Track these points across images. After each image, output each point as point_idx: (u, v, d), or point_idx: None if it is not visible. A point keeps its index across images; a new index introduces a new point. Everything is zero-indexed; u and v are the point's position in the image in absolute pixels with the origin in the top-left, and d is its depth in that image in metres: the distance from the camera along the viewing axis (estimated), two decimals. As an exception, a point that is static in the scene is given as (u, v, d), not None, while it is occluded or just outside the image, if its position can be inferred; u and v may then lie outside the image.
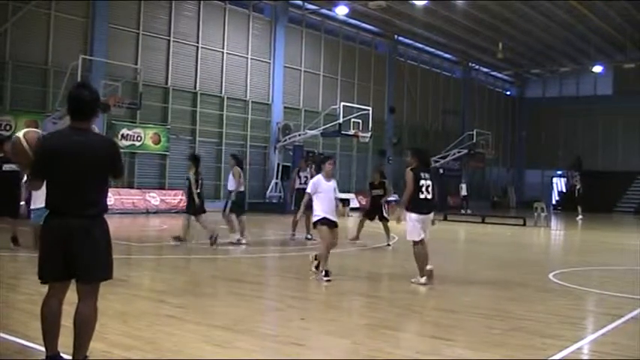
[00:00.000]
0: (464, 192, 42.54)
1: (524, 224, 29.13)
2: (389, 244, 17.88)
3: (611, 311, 9.30)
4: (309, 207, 12.04)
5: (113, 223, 17.83)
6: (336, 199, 11.81)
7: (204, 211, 16.47)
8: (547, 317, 8.74)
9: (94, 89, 5.62)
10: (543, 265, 15.29)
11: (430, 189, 11.37)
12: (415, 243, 11.33)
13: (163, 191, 30.36)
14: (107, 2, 28.66)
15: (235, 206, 17.05)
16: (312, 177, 14.32)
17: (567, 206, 45.90)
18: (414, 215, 11.26)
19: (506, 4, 39.59)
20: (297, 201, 16.79)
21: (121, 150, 23.93)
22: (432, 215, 11.58)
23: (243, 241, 16.70)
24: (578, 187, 38.93)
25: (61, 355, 5.50)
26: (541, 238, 25.45)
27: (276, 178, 34.97)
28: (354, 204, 37.92)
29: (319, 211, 11.53)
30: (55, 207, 5.32)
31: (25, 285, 9.62)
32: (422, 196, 11.28)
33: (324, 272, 11.29)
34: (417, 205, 11.28)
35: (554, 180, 58.80)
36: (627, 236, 26.25)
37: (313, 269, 11.67)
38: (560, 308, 9.56)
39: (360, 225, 18.51)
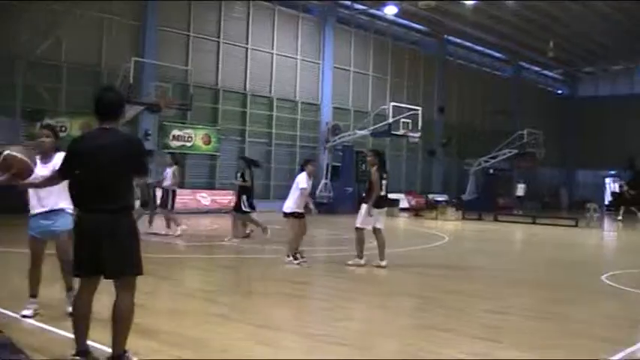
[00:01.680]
0: (520, 192, 41.96)
1: (576, 225, 28.73)
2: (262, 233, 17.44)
3: (664, 314, 9.15)
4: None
5: (164, 222, 18.01)
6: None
7: None
8: (599, 319, 8.64)
9: (119, 91, 5.86)
10: (595, 267, 15.10)
11: (386, 187, 13.19)
12: (359, 230, 13.06)
13: (214, 191, 30.63)
14: (158, 5, 29.04)
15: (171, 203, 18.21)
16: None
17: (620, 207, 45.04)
18: (374, 209, 12.94)
19: (557, 2, 39.07)
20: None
21: (170, 151, 24.12)
22: (385, 209, 13.60)
23: (178, 232, 17.73)
24: (625, 189, 38.50)
25: (90, 350, 5.63)
26: (593, 239, 25.08)
27: (326, 178, 34.98)
28: (404, 204, 37.81)
29: (293, 205, 13.15)
30: (83, 204, 5.52)
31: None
32: (382, 194, 13.02)
33: (295, 256, 13.01)
34: (378, 201, 12.97)
35: (607, 180, 57.79)
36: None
37: (291, 260, 13.04)
38: (613, 310, 9.44)
39: (234, 222, 17.84)
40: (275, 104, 34.45)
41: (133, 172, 5.78)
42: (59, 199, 7.31)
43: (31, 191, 7.33)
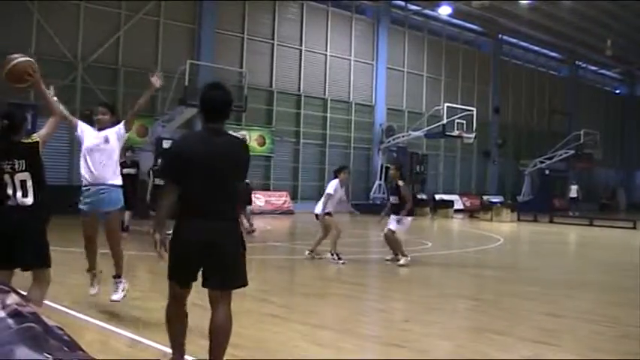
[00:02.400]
0: (573, 194, 41.47)
1: (635, 227, 28.20)
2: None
3: None
4: None
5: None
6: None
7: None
8: (657, 323, 8.48)
9: (227, 89, 5.42)
10: (655, 270, 14.80)
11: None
12: (394, 232, 13.59)
13: (268, 192, 30.80)
14: (213, 8, 29.37)
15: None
16: None
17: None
18: (410, 218, 13.92)
19: (615, -1, 38.46)
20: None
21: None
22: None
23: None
24: None
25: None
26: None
27: (380, 179, 34.98)
28: (458, 205, 37.58)
29: (323, 207, 13.59)
30: (192, 210, 5.06)
31: (138, 283, 9.91)
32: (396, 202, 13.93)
33: (336, 255, 13.34)
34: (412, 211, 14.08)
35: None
36: None
37: (335, 258, 13.36)
38: (672, 314, 9.25)
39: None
40: (329, 105, 34.54)
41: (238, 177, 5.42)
42: (112, 175, 7.66)
43: (83, 167, 7.59)
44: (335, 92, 35.00)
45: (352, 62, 35.87)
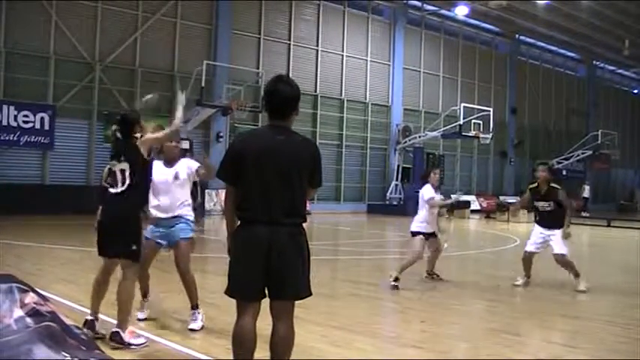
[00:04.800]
0: (586, 194, 41.24)
1: (654, 228, 28.00)
2: None
3: None
4: None
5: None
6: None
7: None
8: (677, 325, 8.41)
9: (294, 83, 5.01)
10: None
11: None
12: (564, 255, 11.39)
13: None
14: (230, 8, 29.44)
15: None
16: None
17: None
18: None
19: (633, -1, 38.19)
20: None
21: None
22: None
23: None
24: None
25: None
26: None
27: (396, 179, 34.94)
28: (475, 206, 37.44)
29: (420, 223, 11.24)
30: (252, 214, 4.67)
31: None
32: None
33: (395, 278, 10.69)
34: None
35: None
36: None
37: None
38: (692, 316, 9.18)
39: None
40: (345, 106, 34.54)
41: (309, 181, 4.85)
42: (180, 205, 7.41)
43: (151, 197, 7.32)
44: (351, 93, 34.99)
45: (369, 62, 35.86)
